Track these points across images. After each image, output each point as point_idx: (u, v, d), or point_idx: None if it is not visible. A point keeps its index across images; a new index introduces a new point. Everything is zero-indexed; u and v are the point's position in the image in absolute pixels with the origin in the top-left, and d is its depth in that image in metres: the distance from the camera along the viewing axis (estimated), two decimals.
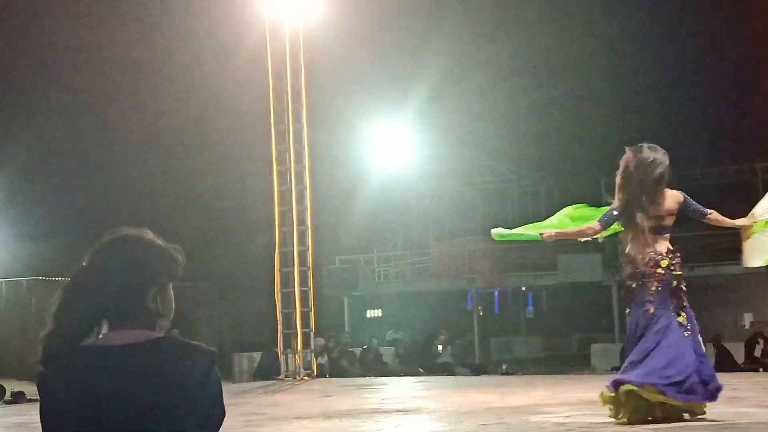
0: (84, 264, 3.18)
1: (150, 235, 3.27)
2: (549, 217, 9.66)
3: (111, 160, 32.64)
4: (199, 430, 3.11)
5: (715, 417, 8.49)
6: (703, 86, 34.60)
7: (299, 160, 16.24)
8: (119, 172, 32.66)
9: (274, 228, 16.81)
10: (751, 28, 31.37)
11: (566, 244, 34.80)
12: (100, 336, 3.14)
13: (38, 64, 32.59)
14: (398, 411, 10.14)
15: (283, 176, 16.31)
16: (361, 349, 24.77)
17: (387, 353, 25.81)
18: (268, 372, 19.21)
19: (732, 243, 31.98)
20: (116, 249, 3.20)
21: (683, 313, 8.29)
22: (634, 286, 8.40)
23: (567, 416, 8.80)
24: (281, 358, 17.99)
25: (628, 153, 8.50)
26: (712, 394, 8.10)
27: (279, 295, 16.71)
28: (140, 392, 3.01)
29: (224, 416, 3.23)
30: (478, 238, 35.50)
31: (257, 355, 21.32)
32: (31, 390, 15.13)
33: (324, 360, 20.71)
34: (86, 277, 3.15)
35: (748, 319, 33.43)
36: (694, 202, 8.66)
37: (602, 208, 8.98)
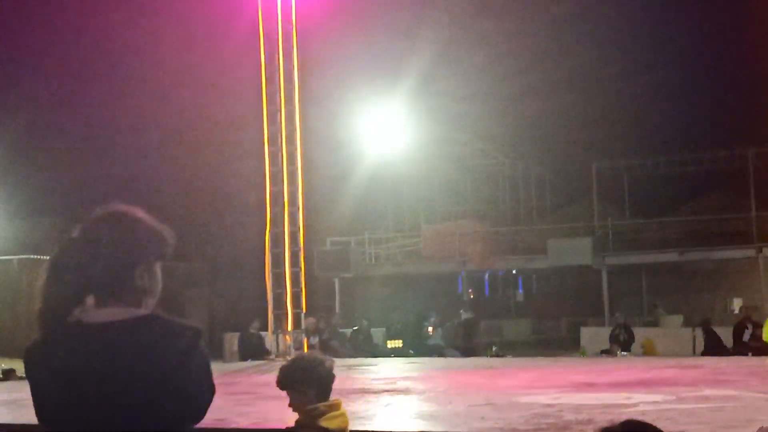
0: (73, 236, 3.16)
1: (141, 213, 3.26)
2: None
3: (102, 140, 32.58)
4: (183, 408, 3.09)
5: (704, 400, 8.54)
6: (695, 72, 34.62)
7: (291, 141, 16.22)
8: (111, 152, 32.59)
9: (266, 209, 16.81)
10: (743, 14, 31.37)
11: (556, 227, 34.96)
12: (85, 313, 3.13)
13: (28, 45, 32.49)
14: (388, 391, 10.17)
15: (274, 157, 16.30)
16: (351, 330, 24.81)
17: (377, 334, 25.85)
18: (250, 351, 19.17)
19: (722, 228, 32.18)
20: (107, 224, 3.19)
21: None
22: None
23: (556, 398, 8.84)
24: (271, 338, 18.00)
25: None
26: None
27: (270, 275, 16.70)
28: (124, 370, 2.99)
29: (213, 394, 3.20)
30: (470, 221, 35.57)
31: (246, 335, 21.35)
32: (22, 368, 15.13)
33: (315, 340, 20.73)
34: (75, 251, 3.13)
35: (737, 304, 33.52)
36: None
37: None
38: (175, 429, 3.10)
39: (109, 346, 3.04)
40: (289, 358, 6.52)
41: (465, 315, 27.58)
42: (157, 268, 3.23)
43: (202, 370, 3.12)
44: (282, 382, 5.26)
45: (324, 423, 5.14)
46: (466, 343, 26.52)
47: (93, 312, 3.12)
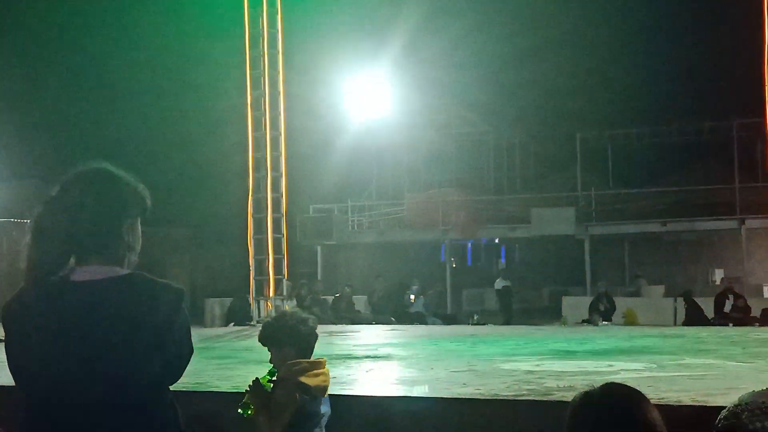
0: (53, 194, 3.12)
1: (119, 171, 3.22)
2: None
3: (83, 104, 32.36)
4: (164, 368, 3.07)
5: (686, 368, 8.56)
6: (681, 43, 34.58)
7: (274, 106, 16.12)
8: (91, 117, 32.39)
9: (248, 174, 16.73)
10: None
11: (540, 197, 34.99)
12: (68, 271, 3.09)
13: (7, 8, 32.13)
14: (369, 357, 10.16)
15: (257, 122, 16.20)
16: (333, 297, 24.81)
17: (360, 302, 25.88)
18: (238, 317, 19.21)
19: (706, 199, 32.24)
20: (89, 181, 3.15)
21: None
22: None
23: (537, 365, 8.84)
24: (253, 304, 17.98)
25: None
26: None
27: (252, 241, 16.66)
28: (107, 328, 2.96)
29: (191, 354, 3.17)
30: (453, 190, 35.57)
31: (228, 301, 21.33)
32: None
33: (293, 304, 20.69)
34: (57, 209, 3.08)
35: (719, 275, 33.66)
36: None
37: None
38: (157, 388, 3.08)
39: (93, 304, 3.00)
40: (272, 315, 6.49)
41: (502, 283, 27.77)
42: (138, 225, 3.21)
43: (184, 330, 3.10)
44: (263, 339, 5.26)
45: (304, 379, 5.12)
46: (503, 310, 26.79)
47: (76, 270, 3.08)
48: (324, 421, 5.28)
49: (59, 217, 3.07)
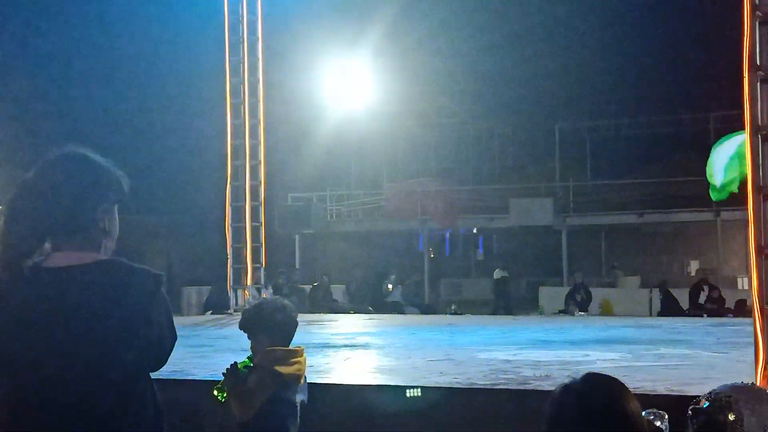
0: (29, 177, 3.08)
1: (96, 156, 3.19)
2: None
3: (59, 91, 32.13)
4: (143, 354, 3.04)
5: (661, 358, 8.61)
6: (660, 34, 34.65)
7: (253, 93, 16.06)
8: (68, 104, 32.16)
9: (227, 162, 16.68)
10: None
11: (518, 187, 35.05)
12: (43, 257, 3.06)
13: None
14: (347, 346, 10.17)
15: (236, 109, 16.15)
16: (311, 286, 24.82)
17: (338, 291, 25.90)
18: (216, 305, 19.19)
19: (682, 191, 32.37)
20: (64, 165, 3.11)
21: None
22: None
23: (514, 354, 8.88)
24: (230, 292, 17.94)
25: None
26: None
27: (230, 229, 16.61)
28: (84, 314, 2.93)
29: (175, 341, 3.15)
30: (432, 180, 35.58)
31: (206, 289, 21.31)
32: None
33: (270, 292, 20.67)
34: (32, 194, 3.05)
35: (694, 266, 33.83)
36: None
37: None
38: (135, 375, 3.06)
39: (69, 291, 2.97)
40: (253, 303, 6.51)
41: (500, 273, 27.81)
42: (115, 211, 3.18)
43: (163, 316, 3.07)
44: (242, 326, 5.31)
45: (278, 367, 5.14)
46: (499, 301, 26.81)
47: (52, 256, 3.05)
48: (299, 408, 5.31)
49: (34, 201, 3.03)
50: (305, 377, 5.48)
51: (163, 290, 3.09)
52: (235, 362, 5.21)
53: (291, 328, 5.40)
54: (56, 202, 3.03)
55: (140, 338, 2.98)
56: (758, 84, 6.19)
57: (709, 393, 3.51)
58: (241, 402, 5.11)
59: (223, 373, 5.16)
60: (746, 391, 3.54)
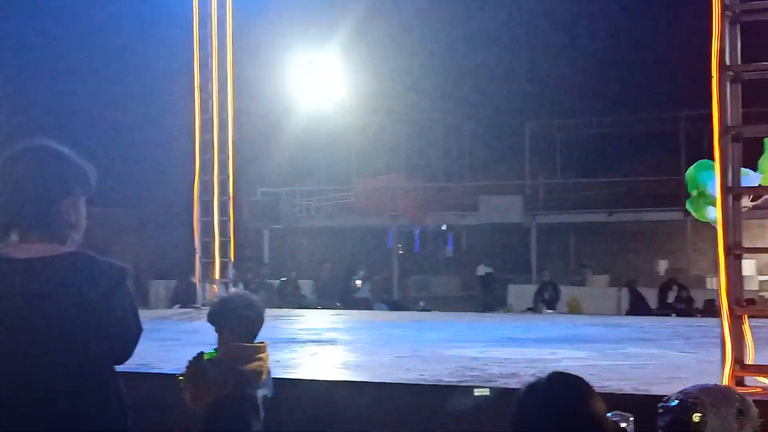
0: None
1: (63, 148, 3.18)
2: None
3: (26, 83, 31.83)
4: (107, 347, 3.02)
5: (628, 357, 8.63)
6: (629, 32, 34.79)
7: (222, 88, 15.98)
8: (34, 96, 31.86)
9: (195, 156, 16.58)
10: None
11: (488, 184, 35.11)
12: (9, 248, 3.05)
13: None
14: (314, 341, 10.14)
15: (205, 104, 16.06)
16: (279, 281, 24.76)
17: (306, 287, 25.86)
18: (182, 299, 19.13)
19: (652, 190, 32.56)
20: (30, 157, 3.10)
21: None
22: None
23: (481, 351, 8.88)
24: (198, 287, 17.86)
25: None
26: None
27: (198, 223, 16.53)
28: (49, 306, 2.93)
29: (140, 333, 3.14)
30: (402, 176, 35.59)
31: (173, 283, 21.26)
32: None
33: (240, 287, 20.62)
34: None
35: (662, 265, 34.03)
36: None
37: None
38: (99, 368, 3.04)
39: (33, 282, 2.95)
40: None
41: (484, 270, 27.82)
42: (82, 203, 3.16)
43: (128, 309, 3.06)
44: (209, 319, 5.36)
45: (238, 363, 5.18)
46: (485, 297, 26.82)
47: (17, 247, 3.03)
48: (261, 403, 5.31)
49: None
50: (269, 372, 5.47)
51: (129, 283, 3.08)
52: (202, 352, 5.23)
53: (257, 323, 5.40)
54: (21, 195, 3.03)
55: (104, 331, 2.97)
56: (728, 84, 6.20)
57: (680, 392, 3.57)
58: (196, 392, 5.13)
59: (189, 361, 5.19)
60: (714, 392, 3.58)
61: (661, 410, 3.55)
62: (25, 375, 2.92)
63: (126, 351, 3.13)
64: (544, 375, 2.96)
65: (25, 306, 2.92)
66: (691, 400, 3.47)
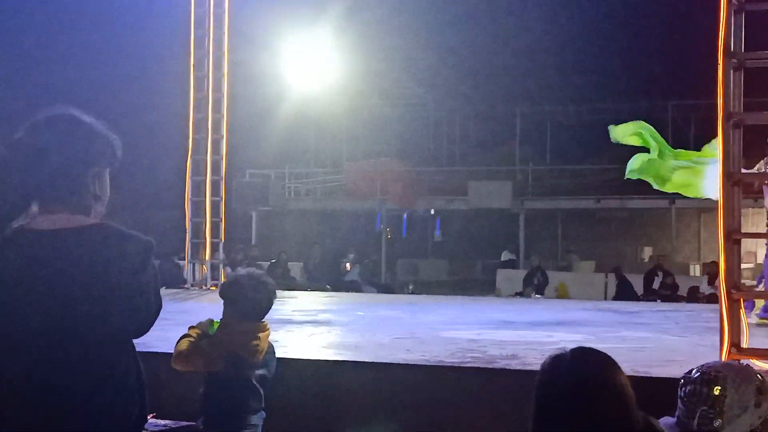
0: (18, 137, 3.02)
1: (89, 117, 3.14)
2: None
3: (15, 71, 31.66)
4: (130, 321, 3.02)
5: (623, 341, 8.68)
6: (621, 22, 34.84)
7: (218, 67, 15.93)
8: (30, 78, 31.70)
9: (188, 136, 16.53)
10: None
11: (477, 169, 35.15)
12: (30, 219, 3.01)
13: None
14: (310, 322, 10.16)
15: (200, 83, 16.01)
16: (269, 263, 24.78)
17: (295, 269, 25.88)
18: (168, 280, 19.15)
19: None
20: (55, 126, 3.05)
21: None
22: None
23: (478, 333, 8.91)
24: (188, 267, 17.83)
25: None
26: None
27: (189, 203, 16.49)
28: (73, 279, 2.89)
29: (160, 309, 3.15)
30: (392, 159, 35.60)
31: (157, 263, 21.26)
32: None
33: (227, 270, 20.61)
34: (20, 154, 2.99)
35: (647, 252, 34.19)
36: None
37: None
38: (121, 341, 3.03)
39: (58, 254, 2.92)
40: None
41: (507, 255, 27.79)
42: (107, 175, 3.13)
43: (152, 282, 3.05)
44: (220, 293, 5.45)
45: (233, 340, 5.26)
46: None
47: (39, 219, 2.99)
48: (259, 382, 5.37)
49: (22, 161, 2.98)
50: (270, 352, 5.50)
51: (153, 258, 3.08)
52: (212, 319, 5.33)
53: (263, 305, 5.45)
54: (45, 164, 2.98)
55: (129, 304, 2.96)
56: (731, 71, 6.24)
57: (702, 365, 3.65)
58: (187, 354, 5.21)
59: (200, 322, 5.31)
60: (737, 369, 3.66)
61: (682, 381, 3.63)
62: (44, 346, 2.91)
63: (147, 325, 3.14)
64: (564, 349, 3.00)
65: (52, 277, 2.90)
66: (713, 373, 3.55)
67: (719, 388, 3.53)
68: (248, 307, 5.37)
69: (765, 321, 9.97)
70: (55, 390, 2.88)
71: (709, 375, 3.59)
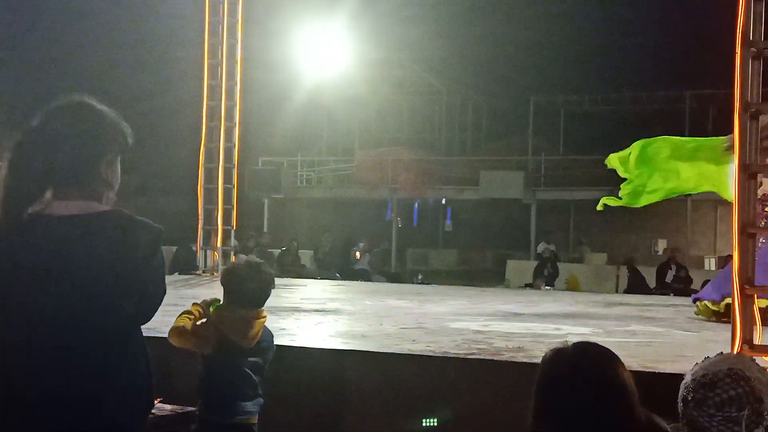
0: (33, 125, 3.09)
1: (102, 105, 3.19)
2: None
3: (29, 57, 31.73)
4: (137, 306, 3.07)
5: (632, 335, 8.66)
6: (640, 12, 34.71)
7: (232, 55, 15.93)
8: (45, 65, 31.78)
9: (202, 123, 16.56)
10: None
11: (489, 159, 35.09)
12: (45, 205, 3.07)
13: None
14: (318, 311, 10.17)
15: (214, 70, 16.01)
16: (279, 250, 24.81)
17: (305, 257, 25.90)
18: (183, 266, 19.20)
19: None
20: (69, 113, 3.11)
21: None
22: None
23: (485, 325, 8.90)
24: (200, 253, 17.88)
25: None
26: None
27: (202, 189, 16.51)
28: (86, 264, 2.95)
29: (164, 295, 3.19)
30: (403, 148, 35.59)
31: (173, 250, 21.35)
32: None
33: (252, 257, 20.66)
34: (36, 140, 3.05)
35: (661, 245, 34.06)
36: None
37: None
38: (130, 327, 3.09)
39: (71, 239, 2.97)
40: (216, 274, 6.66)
41: (544, 246, 27.69)
42: (118, 162, 3.19)
43: (160, 269, 3.11)
44: (220, 279, 5.51)
45: (225, 330, 5.31)
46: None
47: (54, 205, 3.05)
48: (252, 368, 5.41)
49: (37, 148, 3.05)
50: (266, 340, 5.53)
51: (162, 246, 3.13)
52: (216, 298, 5.40)
53: (260, 294, 5.48)
54: (59, 151, 3.05)
55: (140, 290, 3.02)
56: (750, 60, 6.17)
57: (704, 366, 3.47)
58: (181, 328, 5.27)
59: (204, 300, 5.36)
60: (743, 361, 3.44)
61: (698, 385, 3.36)
62: (56, 331, 2.97)
63: (152, 311, 3.21)
64: (565, 342, 2.98)
65: (67, 262, 2.96)
66: (738, 372, 3.24)
67: (752, 387, 3.24)
68: (244, 294, 5.40)
69: None
70: (68, 374, 2.94)
71: (735, 374, 3.28)
